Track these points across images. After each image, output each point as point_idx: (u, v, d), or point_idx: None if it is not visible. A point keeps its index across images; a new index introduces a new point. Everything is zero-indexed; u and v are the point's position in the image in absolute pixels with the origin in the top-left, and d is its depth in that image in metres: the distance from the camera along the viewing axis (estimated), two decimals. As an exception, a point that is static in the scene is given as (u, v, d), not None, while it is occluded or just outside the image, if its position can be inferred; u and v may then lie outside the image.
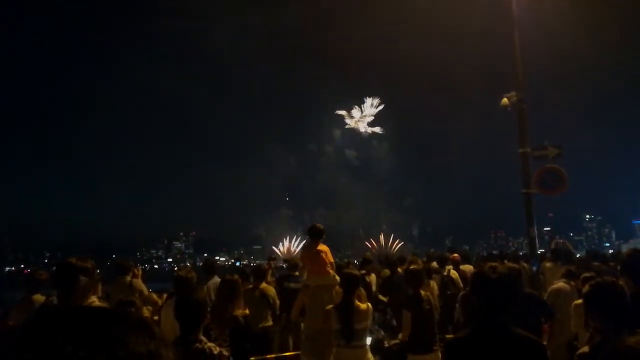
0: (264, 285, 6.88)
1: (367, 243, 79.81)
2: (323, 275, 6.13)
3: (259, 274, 7.00)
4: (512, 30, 9.78)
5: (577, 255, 9.17)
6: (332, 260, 6.34)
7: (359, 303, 5.03)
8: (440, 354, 5.20)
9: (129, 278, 6.48)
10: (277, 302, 6.76)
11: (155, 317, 6.62)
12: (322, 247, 6.31)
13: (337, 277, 5.88)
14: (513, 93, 9.81)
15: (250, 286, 6.80)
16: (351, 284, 5.02)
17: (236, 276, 5.86)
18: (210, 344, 3.09)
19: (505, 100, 10.01)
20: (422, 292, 5.55)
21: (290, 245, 76.57)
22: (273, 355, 6.20)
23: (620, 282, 2.89)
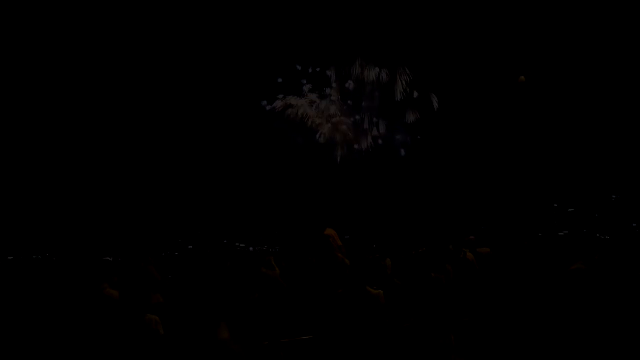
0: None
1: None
2: None
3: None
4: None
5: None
6: (340, 244, 6.28)
7: (369, 288, 4.95)
8: (452, 336, 5.11)
9: (142, 265, 6.56)
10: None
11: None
12: (329, 231, 6.29)
13: (347, 262, 5.82)
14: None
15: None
16: (363, 269, 4.95)
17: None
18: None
19: (522, 77, 9.70)
20: (433, 275, 5.47)
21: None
22: (287, 340, 6.17)
23: None
